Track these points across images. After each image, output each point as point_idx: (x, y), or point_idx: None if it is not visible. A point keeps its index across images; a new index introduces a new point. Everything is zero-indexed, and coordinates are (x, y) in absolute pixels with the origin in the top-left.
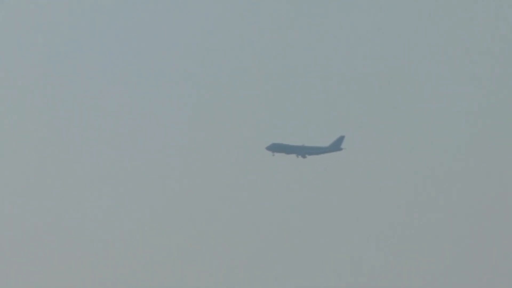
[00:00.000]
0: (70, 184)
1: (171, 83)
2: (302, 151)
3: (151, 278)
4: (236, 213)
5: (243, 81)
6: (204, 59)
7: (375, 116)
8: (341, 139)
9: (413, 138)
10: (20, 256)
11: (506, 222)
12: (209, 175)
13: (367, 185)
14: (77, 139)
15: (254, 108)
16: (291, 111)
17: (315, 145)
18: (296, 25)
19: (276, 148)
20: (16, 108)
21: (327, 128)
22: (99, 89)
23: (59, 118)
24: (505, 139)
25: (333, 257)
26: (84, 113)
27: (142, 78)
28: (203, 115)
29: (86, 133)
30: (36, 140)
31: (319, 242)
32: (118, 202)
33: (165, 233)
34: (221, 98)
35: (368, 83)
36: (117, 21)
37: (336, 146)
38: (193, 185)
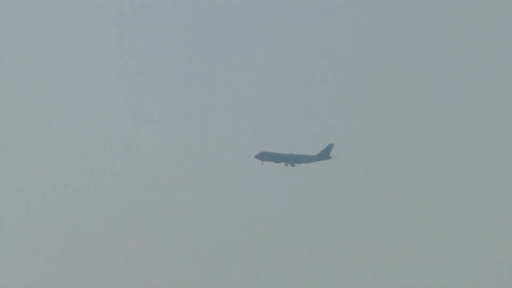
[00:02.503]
0: (62, 186)
1: (162, 92)
2: (291, 159)
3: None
4: (224, 222)
5: (231, 91)
6: (194, 69)
7: (364, 125)
8: (330, 147)
9: (402, 146)
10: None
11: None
12: (198, 184)
13: (356, 193)
14: (68, 141)
15: (243, 117)
16: (280, 120)
17: (304, 154)
18: (284, 35)
19: (265, 156)
20: (16, 108)
21: (316, 136)
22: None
23: (59, 118)
24: (493, 152)
25: (321, 264)
26: (70, 117)
27: (133, 87)
28: (192, 124)
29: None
30: (35, 141)
31: (308, 249)
32: (106, 206)
33: (154, 240)
34: (210, 107)
35: (357, 91)
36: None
37: (325, 154)
38: (182, 194)
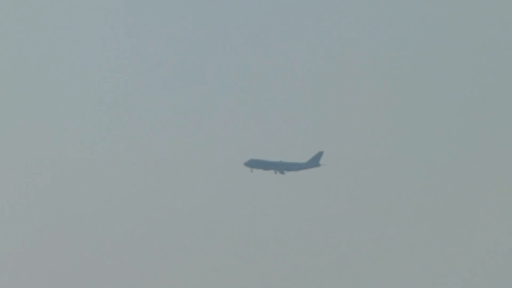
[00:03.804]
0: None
1: (150, 98)
2: (281, 167)
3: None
4: (213, 230)
5: (220, 97)
6: (184, 75)
7: (354, 131)
8: (319, 155)
9: (392, 154)
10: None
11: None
12: (187, 192)
13: (345, 201)
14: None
15: (232, 124)
16: (269, 127)
17: (294, 161)
18: (273, 42)
19: (254, 164)
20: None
21: (305, 144)
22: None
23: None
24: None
25: (313, 273)
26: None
27: (122, 93)
28: (180, 131)
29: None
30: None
31: (297, 258)
32: (91, 211)
33: (142, 247)
34: (199, 113)
35: (347, 97)
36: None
37: (314, 162)
38: (169, 202)
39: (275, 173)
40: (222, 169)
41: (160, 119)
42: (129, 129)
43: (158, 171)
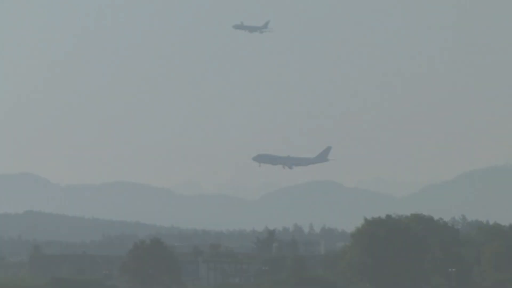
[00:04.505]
0: None
1: (162, 94)
2: (289, 162)
3: None
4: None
5: (229, 93)
6: (193, 71)
7: (362, 127)
8: (328, 150)
9: (401, 149)
10: None
11: None
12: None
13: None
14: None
15: (240, 119)
16: (278, 122)
17: (302, 156)
18: (282, 38)
19: (262, 158)
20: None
21: (314, 139)
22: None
23: None
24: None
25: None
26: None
27: (132, 88)
28: (193, 128)
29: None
30: None
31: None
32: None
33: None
34: (208, 109)
35: (355, 95)
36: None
37: (322, 157)
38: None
39: (283, 167)
40: (231, 163)
41: (174, 119)
42: (144, 120)
43: (171, 165)
